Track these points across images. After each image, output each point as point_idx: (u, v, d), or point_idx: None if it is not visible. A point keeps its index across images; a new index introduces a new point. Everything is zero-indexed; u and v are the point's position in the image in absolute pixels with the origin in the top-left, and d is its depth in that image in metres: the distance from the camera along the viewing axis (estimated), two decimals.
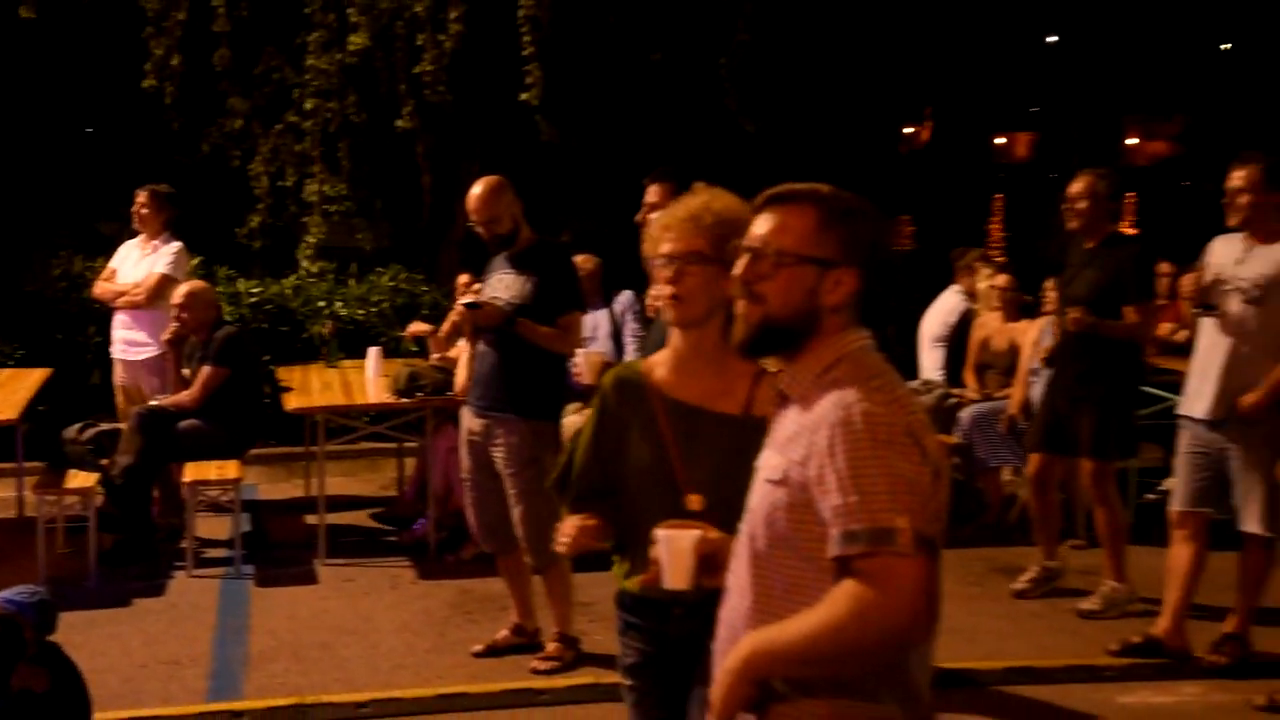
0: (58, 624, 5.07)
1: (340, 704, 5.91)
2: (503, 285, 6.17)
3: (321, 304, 10.90)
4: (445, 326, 8.47)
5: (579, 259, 7.47)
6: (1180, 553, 6.30)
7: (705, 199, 3.48)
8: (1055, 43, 37.80)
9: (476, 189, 6.20)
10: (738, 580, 2.69)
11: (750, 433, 2.99)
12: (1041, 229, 16.03)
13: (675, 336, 3.44)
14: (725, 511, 2.95)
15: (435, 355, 8.61)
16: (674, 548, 2.93)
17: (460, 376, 7.86)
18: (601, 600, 6.59)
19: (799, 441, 2.57)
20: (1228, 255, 6.25)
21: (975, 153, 39.46)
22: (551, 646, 6.31)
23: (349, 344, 9.98)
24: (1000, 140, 44.03)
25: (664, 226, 3.45)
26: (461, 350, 8.00)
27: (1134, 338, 7.04)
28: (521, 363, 6.09)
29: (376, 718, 5.85)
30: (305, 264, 11.57)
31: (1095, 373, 6.89)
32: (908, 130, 39.53)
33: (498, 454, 6.13)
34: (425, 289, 11.28)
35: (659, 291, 3.42)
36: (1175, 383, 8.37)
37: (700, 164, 5.14)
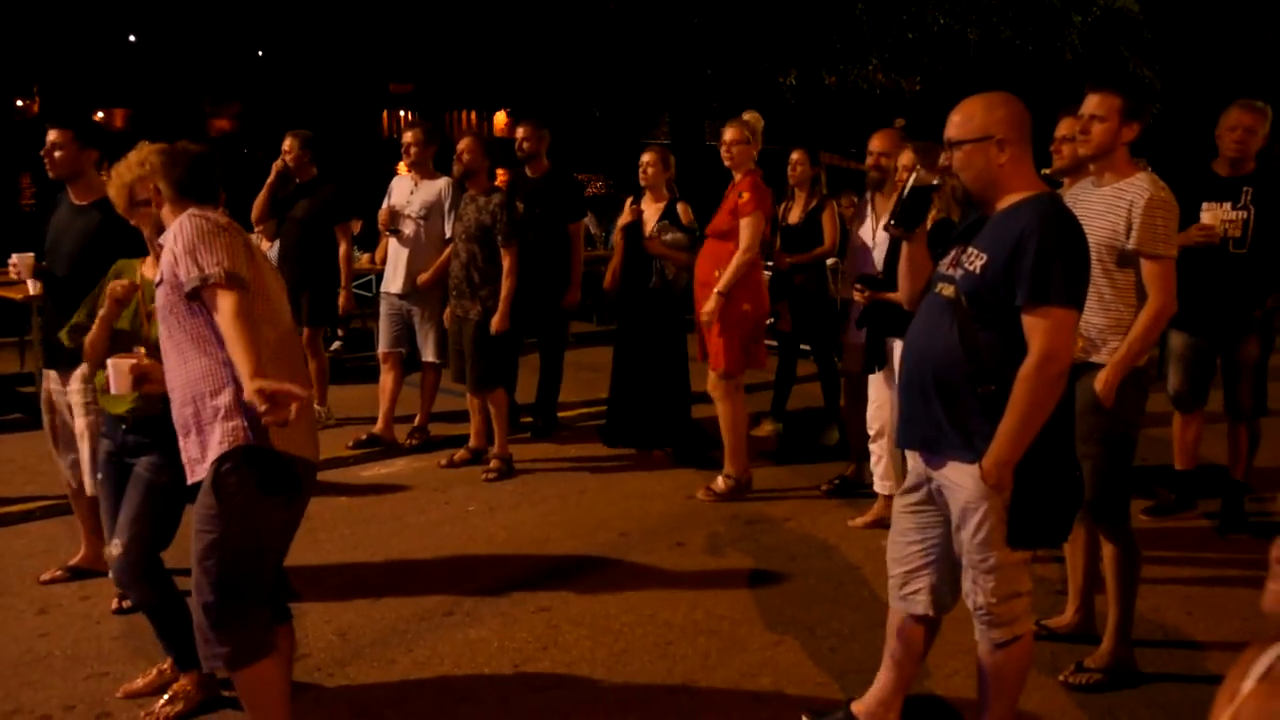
0: None
1: None
2: None
3: None
4: None
5: None
6: (387, 378, 7.02)
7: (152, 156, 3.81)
8: (137, 41, 36.31)
9: None
10: (168, 355, 3.24)
11: None
12: None
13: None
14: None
15: None
16: (117, 370, 3.50)
17: None
18: None
19: (166, 255, 3.20)
20: (403, 190, 7.01)
21: (84, 123, 36.93)
22: None
23: None
24: (100, 115, 41.60)
25: (140, 180, 3.68)
26: None
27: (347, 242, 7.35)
28: None
29: None
30: None
31: (309, 261, 7.13)
32: (20, 103, 36.19)
33: None
34: None
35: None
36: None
37: None
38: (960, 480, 3.23)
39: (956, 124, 3.27)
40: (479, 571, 5.18)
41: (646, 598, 4.88)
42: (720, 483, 6.23)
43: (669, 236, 6.71)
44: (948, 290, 3.29)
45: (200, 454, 3.17)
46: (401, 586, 4.97)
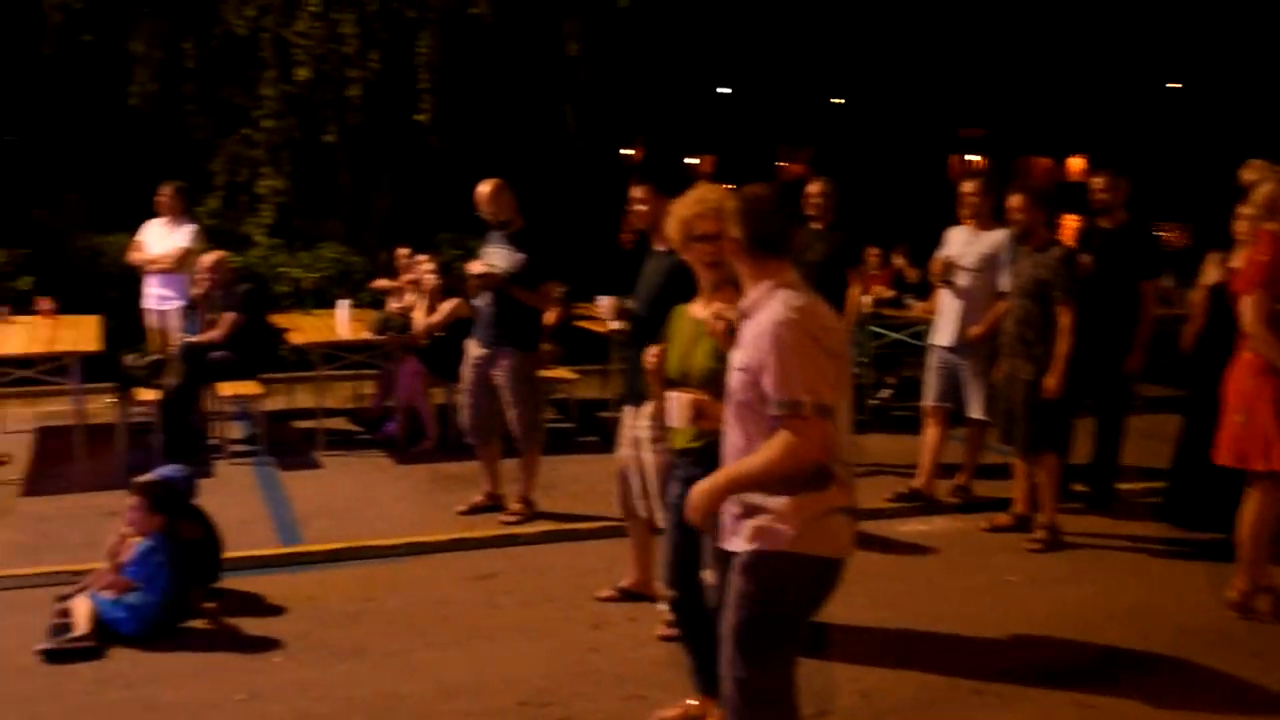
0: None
1: (381, 546, 6.00)
2: (499, 257, 6.26)
3: (282, 270, 10.69)
4: (430, 281, 8.19)
5: None
6: (931, 433, 6.82)
7: (709, 194, 3.85)
8: (728, 93, 39.01)
9: (484, 188, 6.27)
10: (731, 428, 3.13)
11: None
12: None
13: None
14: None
15: (395, 305, 8.68)
16: (677, 404, 3.54)
17: (419, 321, 8.03)
18: (543, 474, 6.83)
19: (753, 343, 3.00)
20: (959, 241, 6.80)
21: (676, 169, 40.49)
22: (516, 506, 6.48)
23: (300, 299, 9.98)
24: (693, 160, 45.17)
25: (697, 216, 3.76)
26: (419, 301, 8.16)
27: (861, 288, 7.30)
28: (512, 313, 6.23)
29: (407, 554, 5.96)
30: (260, 238, 11.15)
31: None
32: (626, 152, 40.18)
33: (498, 374, 6.28)
34: (355, 258, 11.09)
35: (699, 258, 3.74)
36: (896, 325, 9.19)
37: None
38: None
39: None
40: (1014, 650, 4.84)
41: (1213, 713, 4.27)
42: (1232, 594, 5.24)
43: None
44: None
45: (732, 526, 3.15)
46: (929, 654, 4.77)
